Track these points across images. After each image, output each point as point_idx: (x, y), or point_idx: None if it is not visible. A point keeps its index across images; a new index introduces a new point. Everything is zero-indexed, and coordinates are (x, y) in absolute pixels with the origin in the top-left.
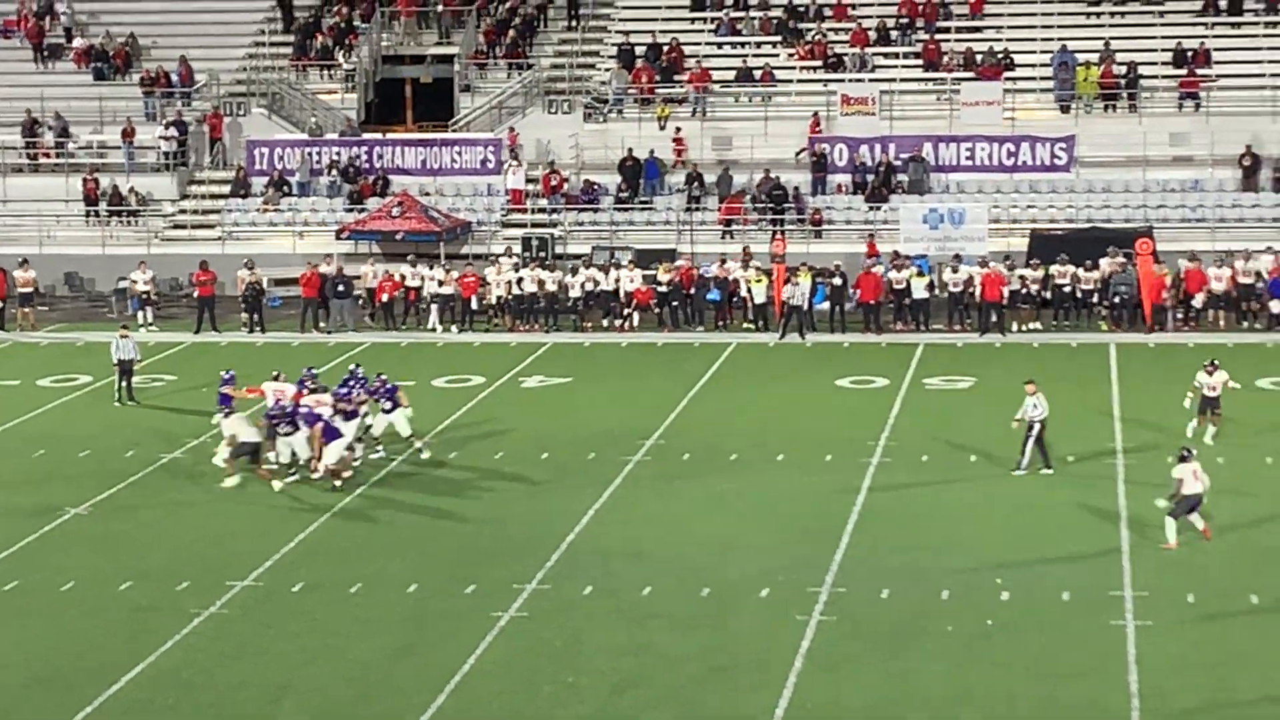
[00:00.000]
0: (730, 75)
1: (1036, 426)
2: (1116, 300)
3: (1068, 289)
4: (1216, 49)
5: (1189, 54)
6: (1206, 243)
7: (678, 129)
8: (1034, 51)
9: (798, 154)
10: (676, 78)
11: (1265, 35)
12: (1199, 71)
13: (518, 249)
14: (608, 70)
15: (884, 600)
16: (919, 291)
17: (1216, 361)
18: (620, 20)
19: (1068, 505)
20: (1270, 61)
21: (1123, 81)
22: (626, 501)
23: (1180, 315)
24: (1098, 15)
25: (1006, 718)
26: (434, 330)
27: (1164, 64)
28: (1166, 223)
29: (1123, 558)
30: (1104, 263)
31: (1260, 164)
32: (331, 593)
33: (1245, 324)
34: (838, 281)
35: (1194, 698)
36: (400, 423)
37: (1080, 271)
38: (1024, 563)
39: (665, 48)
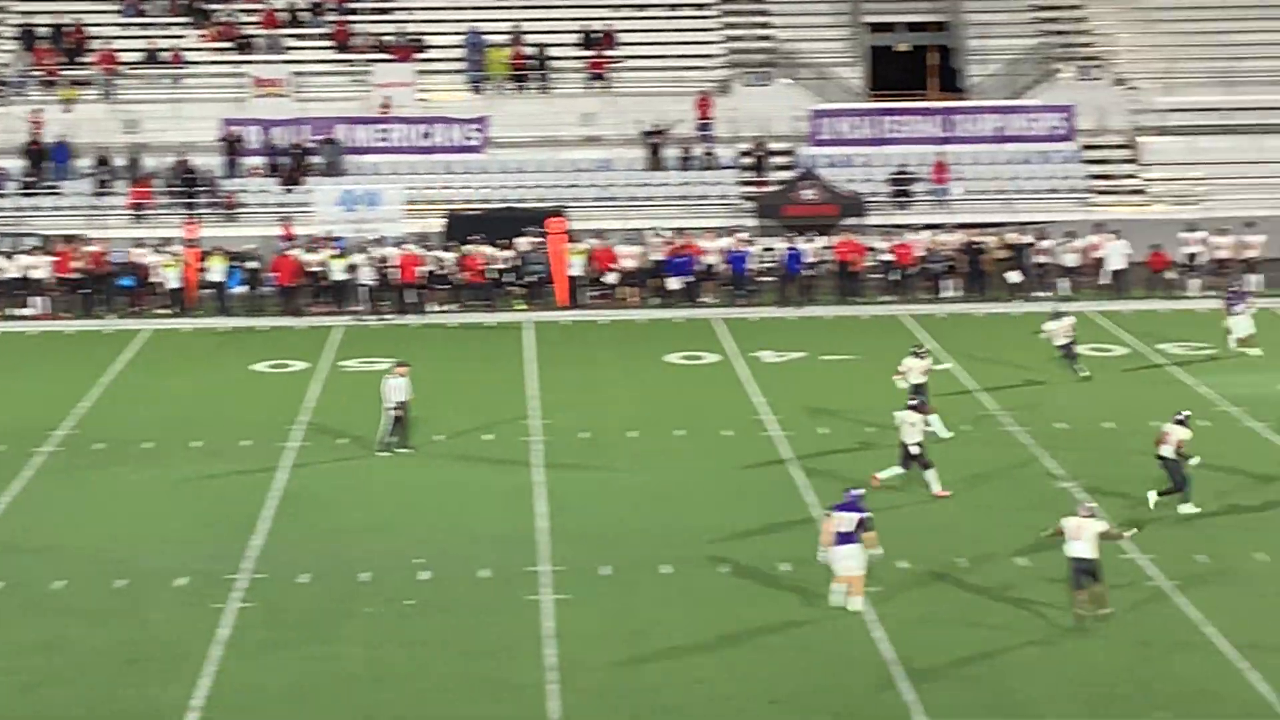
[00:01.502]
0: (138, 57)
1: (398, 409)
2: (531, 279)
3: (484, 268)
4: (622, 30)
5: (595, 36)
6: (617, 221)
7: None
8: (445, 33)
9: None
10: (81, 60)
11: (668, 17)
12: (606, 53)
13: None
14: (9, 52)
15: (303, 585)
16: (337, 273)
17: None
18: (21, 0)
19: (486, 483)
20: (674, 43)
21: (533, 63)
22: (36, 495)
23: (594, 293)
24: None
25: (424, 695)
26: None
27: (572, 45)
28: (578, 202)
29: (539, 534)
30: (520, 242)
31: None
32: None
33: (656, 300)
34: (254, 265)
35: (610, 669)
36: None
37: (495, 251)
38: (443, 542)
39: (69, 29)
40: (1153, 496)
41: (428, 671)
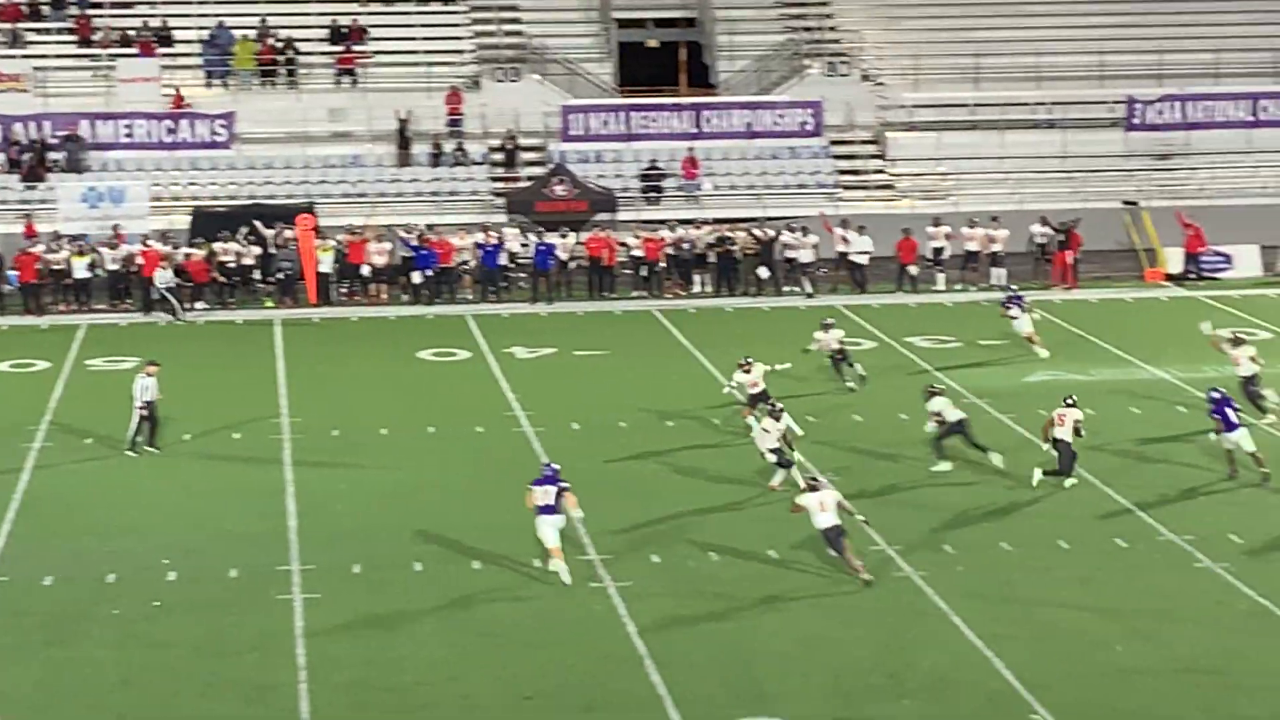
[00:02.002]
0: None
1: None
2: (281, 276)
3: (233, 266)
4: (372, 25)
5: (345, 30)
6: (366, 217)
7: None
8: (190, 27)
9: None
10: None
11: (418, 13)
12: (355, 48)
13: None
14: None
15: (47, 587)
16: (80, 271)
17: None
18: None
19: (236, 482)
20: (423, 39)
21: (281, 58)
22: None
23: (345, 290)
24: None
25: (174, 697)
26: None
27: (321, 40)
28: (328, 198)
29: (290, 533)
30: (269, 234)
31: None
32: None
33: (406, 297)
34: None
35: (359, 667)
36: None
37: (241, 248)
38: (192, 542)
39: None
40: (1037, 474)
41: (176, 673)
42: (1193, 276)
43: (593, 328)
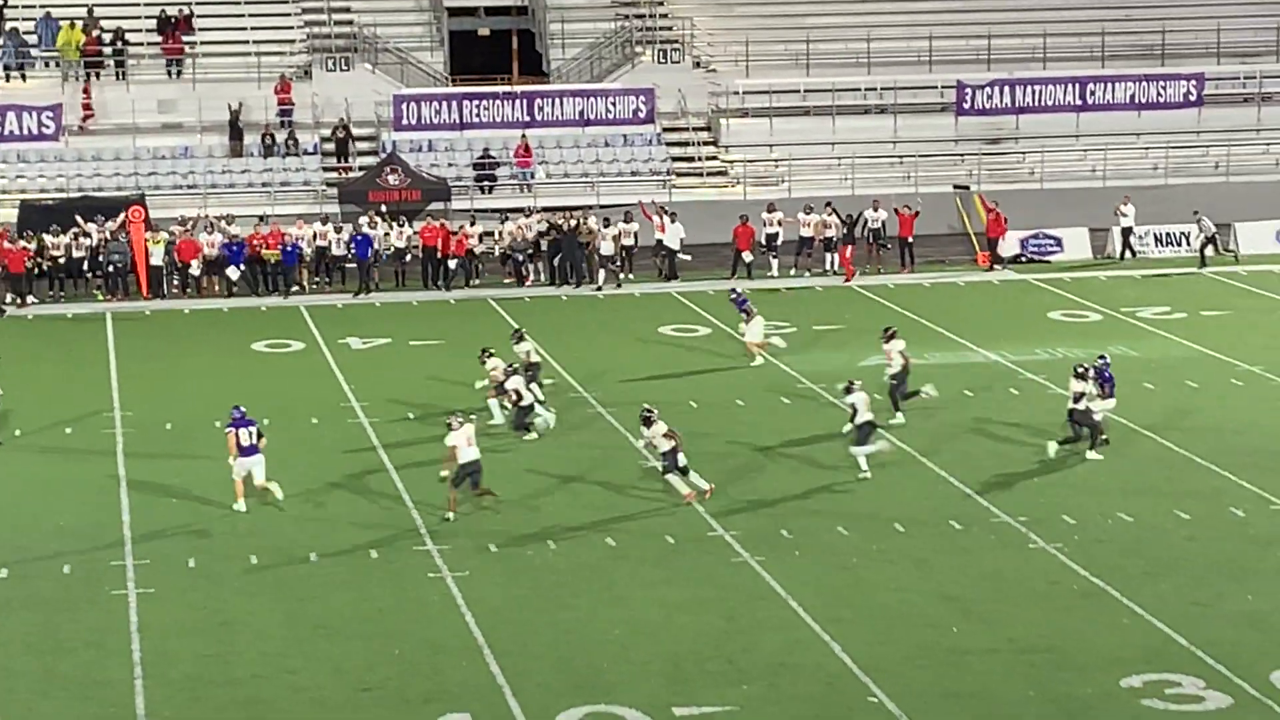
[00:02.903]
0: None
1: None
2: (110, 269)
3: (62, 260)
4: (200, 15)
5: (172, 20)
6: (198, 208)
7: None
8: (16, 17)
9: None
10: None
11: (247, 1)
12: (184, 38)
13: None
14: None
15: None
16: None
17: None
18: None
19: (68, 476)
20: (254, 28)
21: (108, 49)
22: None
23: (177, 283)
24: None
25: (7, 694)
26: None
27: (149, 30)
28: (158, 190)
29: (124, 527)
30: (93, 229)
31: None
32: None
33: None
34: None
35: (195, 662)
36: None
37: (70, 241)
38: (24, 538)
39: None
40: (1053, 446)
41: (10, 670)
42: (1024, 260)
43: (428, 318)
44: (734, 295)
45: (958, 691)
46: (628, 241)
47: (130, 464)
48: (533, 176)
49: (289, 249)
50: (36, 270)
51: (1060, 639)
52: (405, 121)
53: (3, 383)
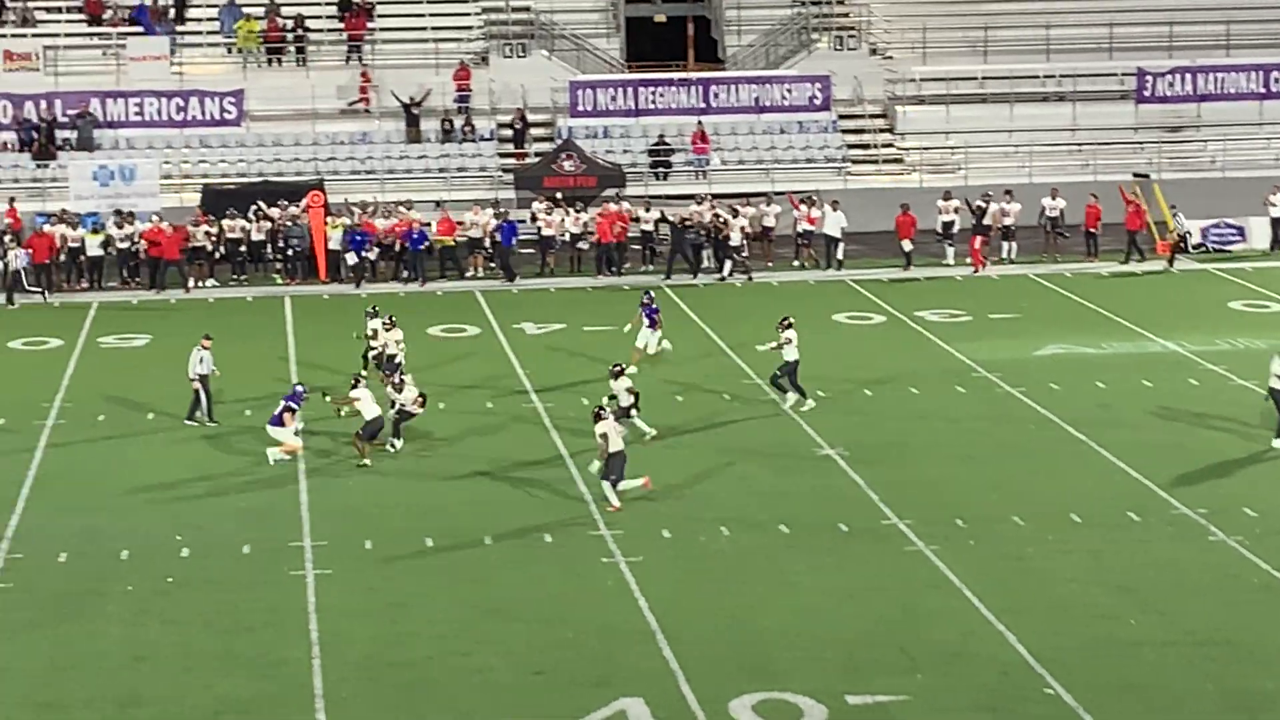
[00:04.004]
0: None
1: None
2: (290, 253)
3: (242, 244)
4: (380, 1)
5: (353, 6)
6: (376, 193)
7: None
8: (201, 5)
9: None
10: None
11: None
12: (365, 25)
13: None
14: None
15: (62, 564)
16: (93, 249)
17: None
18: None
19: (242, 457)
20: (432, 15)
21: (289, 35)
22: None
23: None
24: None
25: (186, 673)
26: None
27: (329, 17)
28: (337, 175)
29: (302, 509)
30: (274, 212)
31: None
32: None
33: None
34: (9, 240)
35: (370, 643)
36: None
37: (249, 224)
38: (204, 518)
39: None
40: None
41: (189, 649)
42: (1205, 250)
43: (601, 304)
44: (645, 298)
45: (1134, 684)
46: (769, 223)
47: (309, 439)
48: (708, 163)
49: (416, 235)
50: (217, 254)
51: (1239, 632)
52: (581, 108)
53: (179, 363)
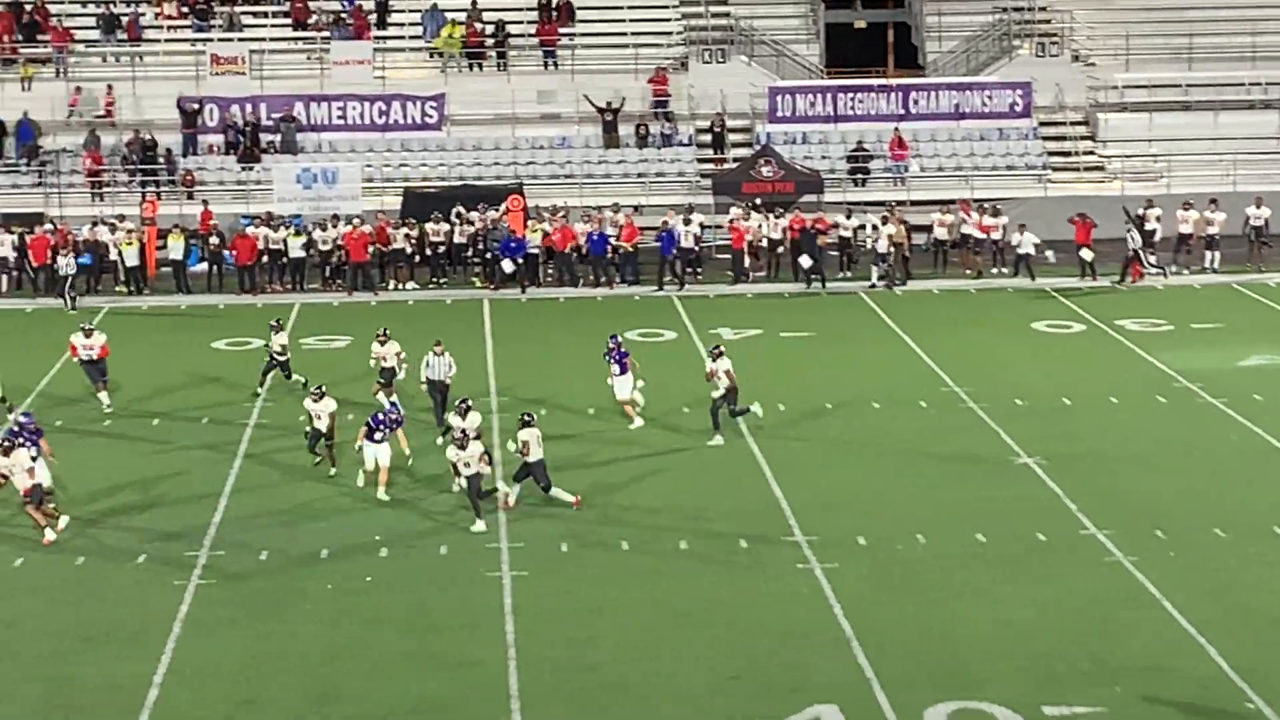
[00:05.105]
0: (94, 35)
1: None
2: (489, 256)
3: (442, 247)
4: (580, 6)
5: (553, 11)
6: (575, 198)
7: None
8: (403, 9)
9: None
10: (40, 36)
11: None
12: (562, 30)
13: None
14: None
15: (263, 561)
16: (295, 251)
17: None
18: None
19: (441, 459)
20: (632, 20)
21: (489, 40)
22: None
23: (551, 271)
24: None
25: (381, 672)
26: None
27: (529, 22)
28: (536, 179)
29: (499, 511)
30: (475, 216)
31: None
32: None
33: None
34: (215, 241)
35: (564, 645)
36: None
37: (456, 228)
38: (402, 519)
39: (27, 5)
40: None
41: (386, 648)
42: None
43: (798, 310)
44: (612, 343)
45: None
46: (941, 234)
47: (505, 450)
48: (906, 170)
49: (595, 238)
50: (418, 257)
51: None
52: (780, 113)
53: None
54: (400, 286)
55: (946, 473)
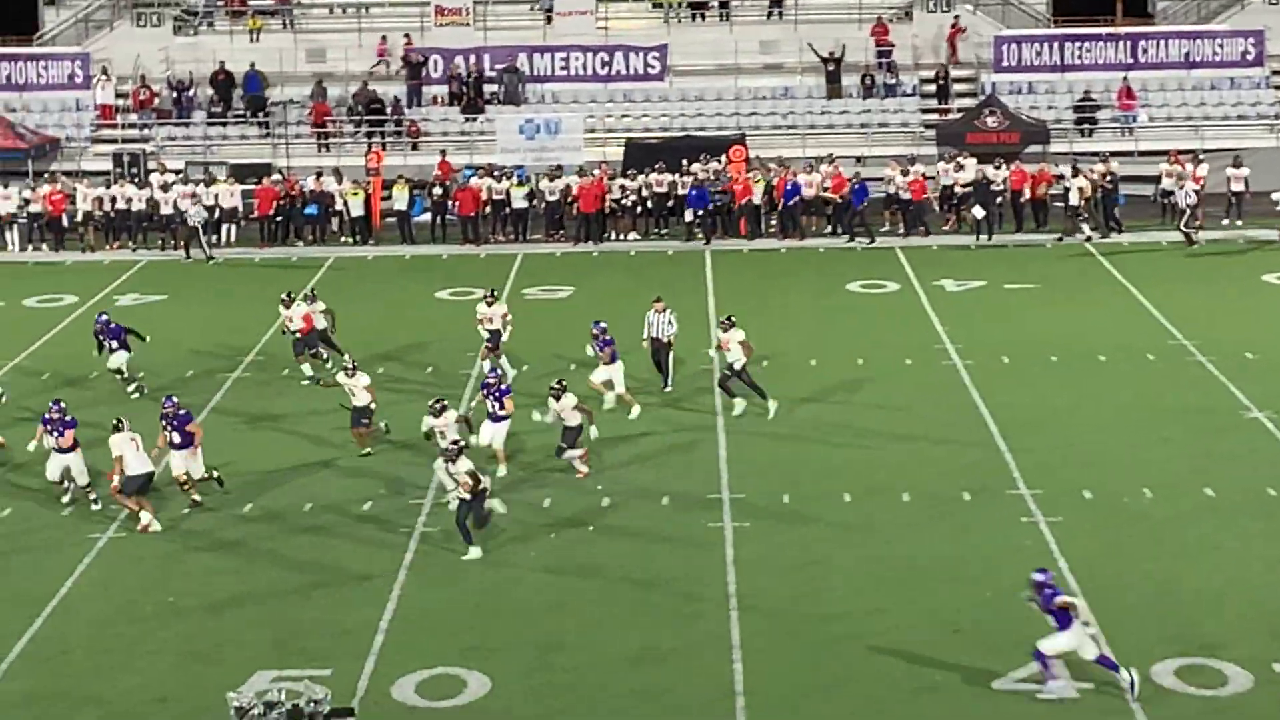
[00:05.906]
0: None
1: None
2: (710, 207)
3: (667, 200)
4: None
5: None
6: (797, 149)
7: None
8: None
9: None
10: None
11: None
12: None
13: (109, 165)
14: None
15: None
16: (518, 202)
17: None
18: None
19: (662, 409)
20: None
21: None
22: (224, 419)
23: (775, 222)
24: None
25: (603, 620)
26: (12, 250)
27: None
28: (758, 130)
29: (720, 462)
30: (697, 168)
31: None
32: None
33: (835, 229)
34: (439, 192)
35: (787, 598)
36: None
37: (675, 177)
38: (622, 467)
39: None
40: None
41: (607, 597)
42: None
43: (1022, 261)
44: (595, 329)
45: None
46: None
47: (724, 398)
48: (1135, 120)
49: (857, 187)
50: (639, 209)
51: None
52: (1005, 63)
53: (603, 316)
54: (622, 237)
55: (1174, 426)
